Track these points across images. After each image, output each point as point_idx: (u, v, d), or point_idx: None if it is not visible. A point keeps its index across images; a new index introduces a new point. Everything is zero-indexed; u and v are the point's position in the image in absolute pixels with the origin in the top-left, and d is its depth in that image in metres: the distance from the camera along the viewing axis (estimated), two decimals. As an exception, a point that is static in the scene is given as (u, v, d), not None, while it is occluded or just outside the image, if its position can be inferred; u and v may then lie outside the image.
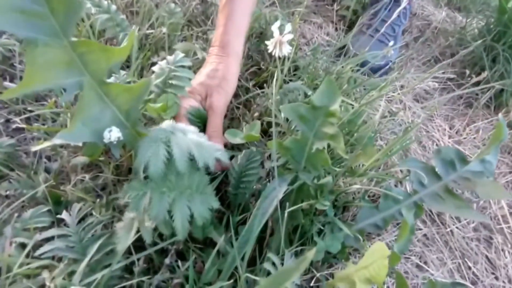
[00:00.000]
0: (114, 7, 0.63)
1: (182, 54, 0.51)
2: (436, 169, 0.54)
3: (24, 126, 0.54)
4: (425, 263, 0.60)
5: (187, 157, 0.34)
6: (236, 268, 0.42)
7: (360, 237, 0.51)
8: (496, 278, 0.60)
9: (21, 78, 0.61)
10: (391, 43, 0.70)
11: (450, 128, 0.84)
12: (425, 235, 0.63)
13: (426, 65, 0.97)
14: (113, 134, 0.39)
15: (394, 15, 0.59)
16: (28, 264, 0.38)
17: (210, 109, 0.52)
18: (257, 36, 0.79)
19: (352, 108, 0.59)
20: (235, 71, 0.55)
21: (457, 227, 0.65)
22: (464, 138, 0.82)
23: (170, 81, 0.49)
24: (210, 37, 0.71)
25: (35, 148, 0.36)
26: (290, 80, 0.72)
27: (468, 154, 0.78)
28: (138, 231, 0.38)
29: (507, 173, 0.77)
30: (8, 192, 0.47)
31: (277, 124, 0.60)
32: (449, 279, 0.58)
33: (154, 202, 0.34)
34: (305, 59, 0.76)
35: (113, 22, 0.62)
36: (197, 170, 0.36)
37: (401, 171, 0.68)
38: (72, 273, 0.37)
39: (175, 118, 0.49)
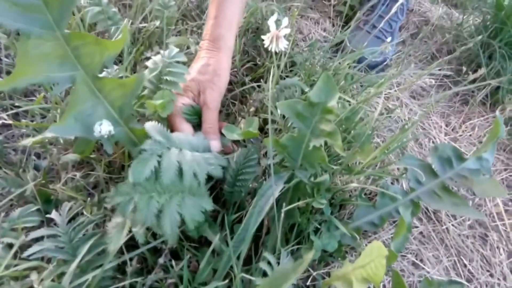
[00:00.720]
0: (105, -1, 0.61)
1: (177, 49, 0.50)
2: (433, 167, 0.54)
3: (11, 122, 0.52)
4: (421, 261, 0.60)
5: (174, 173, 0.35)
6: (231, 267, 0.41)
7: (356, 235, 0.51)
8: (491, 275, 0.60)
9: (8, 72, 0.59)
10: (388, 39, 0.69)
11: (446, 125, 0.84)
12: (421, 232, 0.63)
13: (422, 61, 0.96)
14: (104, 128, 0.38)
15: (392, 11, 0.59)
16: (15, 265, 0.37)
17: (205, 105, 0.51)
18: (253, 31, 0.77)
19: (349, 104, 0.58)
20: (227, 65, 0.54)
21: (453, 225, 0.65)
22: (460, 135, 0.82)
23: (164, 77, 0.48)
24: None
25: (23, 142, 0.35)
26: (287, 76, 0.71)
27: (464, 151, 0.78)
28: (130, 231, 0.37)
29: (502, 170, 0.77)
30: (-5, 191, 0.45)
31: (274, 121, 0.59)
32: (445, 276, 0.58)
33: (141, 207, 0.33)
34: (301, 55, 0.75)
35: (105, 15, 0.60)
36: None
37: (397, 168, 0.67)
38: (62, 275, 0.36)
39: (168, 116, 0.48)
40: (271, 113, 0.54)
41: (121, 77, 0.52)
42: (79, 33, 0.34)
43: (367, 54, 0.76)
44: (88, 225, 0.41)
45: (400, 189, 0.55)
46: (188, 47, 0.66)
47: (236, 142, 0.55)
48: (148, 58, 0.52)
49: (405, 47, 1.00)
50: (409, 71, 0.91)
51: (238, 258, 0.41)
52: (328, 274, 0.52)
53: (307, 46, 0.79)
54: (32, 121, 0.55)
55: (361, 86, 0.75)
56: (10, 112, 0.53)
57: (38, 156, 0.53)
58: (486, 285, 0.59)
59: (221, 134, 0.52)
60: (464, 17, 1.01)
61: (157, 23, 0.64)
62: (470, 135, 0.83)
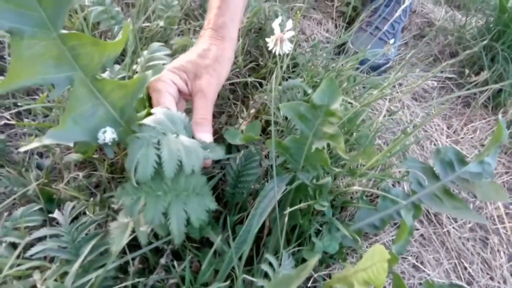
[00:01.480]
0: (108, -1, 0.61)
1: (159, 44, 0.51)
2: (435, 170, 0.54)
3: (14, 122, 0.52)
4: (422, 263, 0.60)
5: (177, 163, 0.33)
6: (233, 268, 0.41)
7: (357, 237, 0.51)
8: (491, 278, 0.61)
9: (11, 71, 0.59)
10: (391, 41, 0.69)
11: (448, 128, 0.84)
12: (422, 235, 0.63)
13: (425, 63, 0.96)
14: (108, 135, 0.37)
15: (396, 14, 0.58)
16: (18, 265, 0.37)
17: (199, 92, 0.45)
18: (256, 32, 0.77)
19: (352, 106, 0.58)
20: (230, 55, 0.49)
21: (453, 228, 0.65)
22: (462, 137, 0.82)
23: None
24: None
25: (23, 148, 0.35)
26: (289, 77, 0.71)
27: (466, 153, 0.78)
28: (133, 231, 0.37)
29: (503, 173, 0.77)
30: (-2, 190, 0.45)
31: (276, 123, 0.59)
32: (445, 279, 0.58)
33: (149, 207, 0.33)
34: (304, 56, 0.75)
35: (108, 15, 0.61)
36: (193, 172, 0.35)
37: (399, 170, 0.67)
38: (64, 274, 0.36)
39: (152, 91, 0.44)
40: (274, 114, 0.54)
41: (123, 77, 0.52)
42: (76, 33, 0.33)
43: (370, 55, 0.76)
44: (91, 225, 0.41)
45: (401, 191, 0.55)
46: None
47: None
48: (151, 58, 0.53)
49: (407, 48, 1.00)
50: (412, 73, 0.91)
51: (239, 259, 0.41)
52: (329, 276, 0.52)
53: (310, 47, 0.79)
54: (34, 120, 0.55)
55: (364, 87, 0.75)
56: (13, 111, 0.54)
57: (40, 155, 0.53)
58: (486, 288, 0.60)
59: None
60: (467, 19, 1.01)
61: (161, 23, 0.64)
62: (472, 137, 0.83)
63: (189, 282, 0.42)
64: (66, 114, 0.36)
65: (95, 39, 0.34)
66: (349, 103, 0.60)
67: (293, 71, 0.73)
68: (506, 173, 0.78)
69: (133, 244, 0.41)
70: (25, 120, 0.55)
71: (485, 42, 0.59)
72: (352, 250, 0.57)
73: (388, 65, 0.88)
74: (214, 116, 0.65)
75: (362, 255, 0.37)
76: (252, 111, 0.63)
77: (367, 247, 0.58)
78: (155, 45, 0.52)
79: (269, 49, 0.40)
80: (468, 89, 0.86)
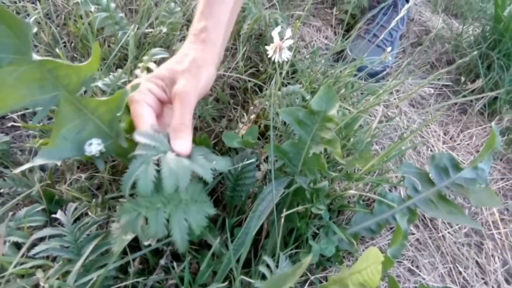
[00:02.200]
0: (113, 5, 0.62)
1: (159, 49, 0.52)
2: (430, 175, 0.55)
3: (19, 124, 0.53)
4: (417, 267, 0.60)
5: (176, 180, 0.33)
6: (231, 270, 0.42)
7: (354, 241, 0.52)
8: (486, 283, 0.61)
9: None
10: (389, 48, 0.71)
11: (445, 134, 0.85)
12: (417, 239, 0.64)
13: (422, 70, 0.98)
14: (93, 148, 0.37)
15: (393, 23, 0.60)
16: (22, 263, 0.38)
17: (176, 97, 0.42)
18: (256, 38, 0.79)
19: (349, 112, 0.60)
20: (209, 59, 0.47)
21: (449, 232, 0.66)
22: (458, 144, 0.84)
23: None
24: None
25: (18, 170, 0.35)
26: (288, 83, 0.72)
27: (462, 160, 0.80)
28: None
29: (499, 180, 0.78)
30: (2, 190, 0.46)
31: (275, 127, 0.60)
32: (440, 283, 0.59)
33: (151, 220, 0.33)
34: (303, 62, 0.76)
35: (112, 20, 0.62)
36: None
37: (395, 175, 0.68)
38: (66, 273, 0.37)
39: (130, 102, 0.42)
40: (273, 119, 0.55)
41: (125, 81, 0.54)
42: (49, 59, 0.33)
43: (368, 62, 0.78)
44: (92, 226, 0.42)
45: (397, 196, 0.56)
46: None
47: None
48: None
49: (405, 56, 1.01)
50: (409, 80, 0.92)
51: (237, 261, 0.42)
52: (326, 279, 0.53)
53: (309, 54, 0.81)
54: (38, 122, 0.56)
55: (361, 94, 0.77)
56: (19, 113, 0.55)
57: (44, 156, 0.54)
58: (481, 293, 0.60)
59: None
60: (464, 27, 1.03)
61: (163, 29, 0.66)
62: (468, 144, 0.84)
63: (188, 283, 0.43)
64: (55, 133, 0.36)
65: (68, 64, 0.35)
66: (347, 109, 0.62)
67: (292, 77, 0.74)
68: (502, 179, 0.79)
69: (133, 245, 0.42)
70: (29, 122, 0.56)
71: (481, 50, 0.61)
72: (349, 253, 0.57)
73: (385, 72, 0.89)
74: (214, 120, 0.66)
75: (358, 258, 0.38)
76: (252, 116, 0.64)
77: (363, 250, 0.59)
78: (155, 50, 0.53)
79: (269, 56, 0.41)
80: (465, 96, 0.87)
